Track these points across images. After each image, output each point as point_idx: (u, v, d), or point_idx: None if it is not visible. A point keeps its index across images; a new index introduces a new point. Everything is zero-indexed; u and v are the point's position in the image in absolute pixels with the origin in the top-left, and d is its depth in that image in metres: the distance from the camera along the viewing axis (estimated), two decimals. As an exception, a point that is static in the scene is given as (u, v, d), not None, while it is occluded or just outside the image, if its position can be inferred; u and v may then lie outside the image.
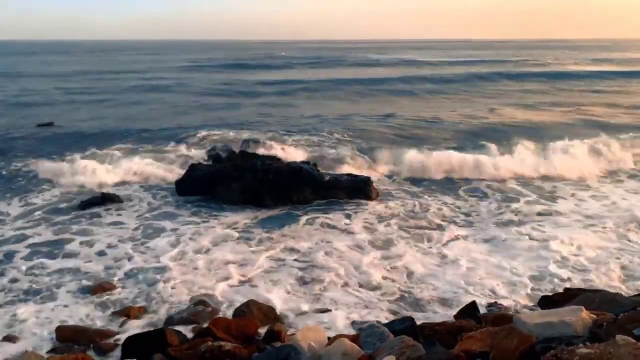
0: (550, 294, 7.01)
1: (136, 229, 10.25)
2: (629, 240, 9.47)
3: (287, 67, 54.54)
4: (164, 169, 14.21)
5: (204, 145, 16.94)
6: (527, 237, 9.71)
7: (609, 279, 7.91)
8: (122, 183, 13.25)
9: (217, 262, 8.64)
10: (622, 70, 50.08)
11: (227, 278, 8.06)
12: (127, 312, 6.84)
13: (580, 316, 4.03)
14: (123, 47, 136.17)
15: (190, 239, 9.70)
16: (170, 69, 49.98)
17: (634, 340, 3.29)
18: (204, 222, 10.65)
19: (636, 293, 6.88)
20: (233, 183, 11.98)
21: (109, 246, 9.36)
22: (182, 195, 12.23)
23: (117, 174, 13.65)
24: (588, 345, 3.33)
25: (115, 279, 8.05)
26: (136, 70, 48.65)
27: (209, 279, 8.03)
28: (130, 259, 8.81)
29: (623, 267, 8.34)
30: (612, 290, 6.59)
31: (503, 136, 18.36)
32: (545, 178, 13.93)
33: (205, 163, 13.74)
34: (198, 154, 15.73)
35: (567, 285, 7.56)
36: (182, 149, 16.61)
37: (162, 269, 8.37)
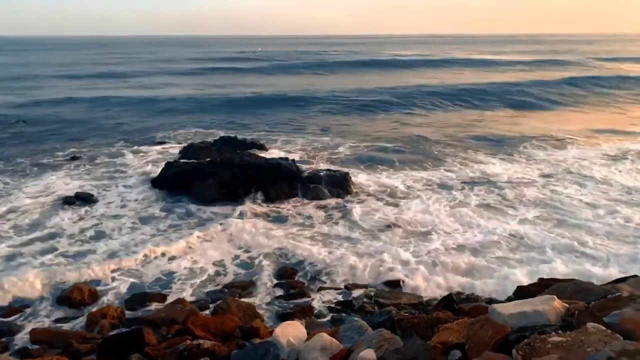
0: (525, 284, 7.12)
1: (112, 227, 10.09)
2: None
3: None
4: (141, 167, 14.03)
5: (181, 143, 16.79)
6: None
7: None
8: (99, 181, 13.04)
9: (191, 259, 8.58)
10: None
11: (204, 276, 8.01)
12: (104, 312, 6.74)
13: (553, 305, 4.10)
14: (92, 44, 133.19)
15: (163, 235, 9.63)
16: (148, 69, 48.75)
17: (604, 328, 3.36)
18: (179, 218, 10.56)
19: (608, 281, 7.02)
20: (209, 179, 11.88)
21: (81, 246, 9.21)
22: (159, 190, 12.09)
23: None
24: (560, 334, 3.40)
25: (91, 279, 7.93)
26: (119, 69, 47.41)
27: (183, 276, 7.98)
28: (104, 258, 8.69)
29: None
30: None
31: None
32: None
33: (181, 160, 13.57)
34: (175, 152, 15.56)
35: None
36: (160, 147, 16.47)
37: (140, 268, 8.28)
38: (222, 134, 17.67)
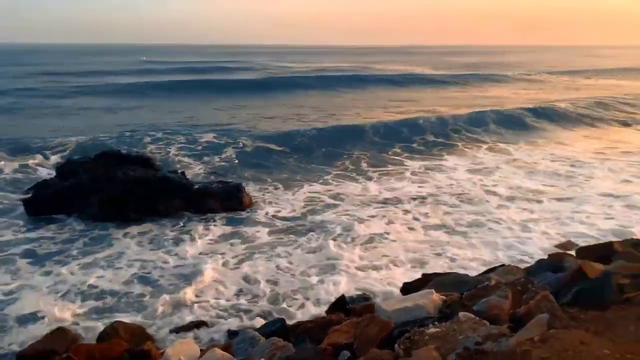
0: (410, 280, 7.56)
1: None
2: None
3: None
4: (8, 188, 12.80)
5: (57, 159, 15.58)
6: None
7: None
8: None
9: (73, 285, 8.01)
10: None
11: (85, 301, 7.53)
12: (-31, 352, 6.05)
13: (431, 299, 4.44)
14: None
15: (38, 262, 8.91)
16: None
17: (473, 316, 3.70)
18: (56, 243, 9.80)
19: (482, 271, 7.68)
20: (92, 197, 11.14)
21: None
22: (33, 215, 11.09)
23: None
24: (437, 325, 3.69)
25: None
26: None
27: (61, 304, 7.42)
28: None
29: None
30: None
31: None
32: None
33: (58, 178, 12.57)
34: (50, 169, 14.39)
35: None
36: (33, 164, 15.13)
37: (8, 298, 7.56)
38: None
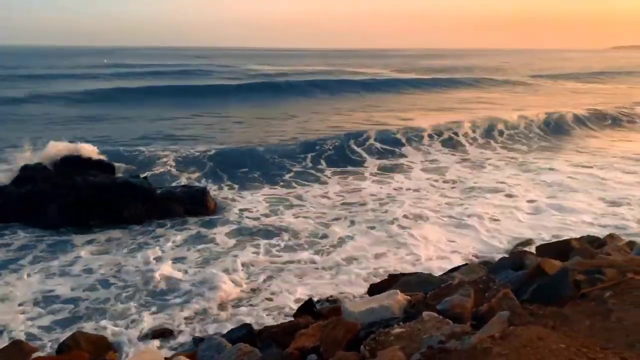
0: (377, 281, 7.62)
1: None
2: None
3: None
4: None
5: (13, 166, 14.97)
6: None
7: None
8: None
9: (31, 295, 7.75)
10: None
11: (44, 311, 7.29)
12: None
13: (396, 299, 4.48)
14: None
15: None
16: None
17: (436, 315, 3.75)
18: (12, 251, 9.46)
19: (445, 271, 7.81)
20: (50, 204, 10.80)
21: None
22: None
23: None
24: (401, 325, 3.72)
25: None
26: None
27: (17, 315, 7.16)
28: None
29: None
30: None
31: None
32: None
33: (14, 185, 12.11)
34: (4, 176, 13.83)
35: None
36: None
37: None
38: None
